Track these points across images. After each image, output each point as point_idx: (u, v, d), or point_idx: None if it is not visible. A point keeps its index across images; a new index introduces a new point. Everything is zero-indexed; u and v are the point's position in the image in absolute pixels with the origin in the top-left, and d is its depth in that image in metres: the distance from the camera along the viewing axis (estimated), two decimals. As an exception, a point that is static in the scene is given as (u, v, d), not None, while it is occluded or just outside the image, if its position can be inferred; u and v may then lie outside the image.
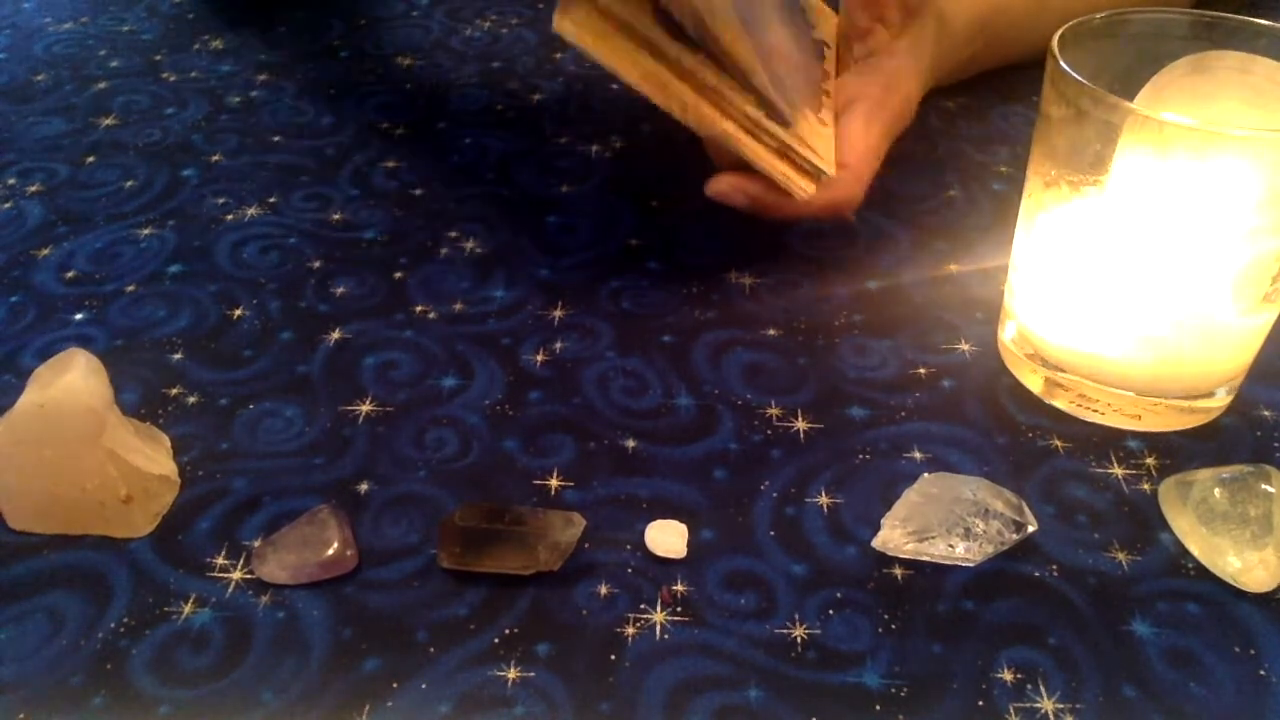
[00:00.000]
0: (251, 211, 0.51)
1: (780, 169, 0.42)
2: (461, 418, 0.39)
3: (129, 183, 0.53)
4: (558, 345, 0.42)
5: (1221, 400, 0.39)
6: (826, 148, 0.43)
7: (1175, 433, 0.38)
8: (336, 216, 0.50)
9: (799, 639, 0.32)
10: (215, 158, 0.55)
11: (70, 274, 0.46)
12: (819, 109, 0.44)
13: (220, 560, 0.34)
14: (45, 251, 0.48)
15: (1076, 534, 0.35)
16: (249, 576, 0.33)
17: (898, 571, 0.34)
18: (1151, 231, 0.34)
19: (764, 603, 0.33)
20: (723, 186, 0.43)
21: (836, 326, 0.43)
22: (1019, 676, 0.31)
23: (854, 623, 0.32)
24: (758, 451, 0.38)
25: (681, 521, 0.35)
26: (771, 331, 0.43)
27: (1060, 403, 0.39)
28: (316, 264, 0.47)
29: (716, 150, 0.44)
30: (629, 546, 0.34)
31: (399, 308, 0.44)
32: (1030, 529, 0.34)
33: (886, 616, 0.32)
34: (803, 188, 0.42)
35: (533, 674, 0.30)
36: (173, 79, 0.63)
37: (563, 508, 0.34)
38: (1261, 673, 0.31)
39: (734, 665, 0.31)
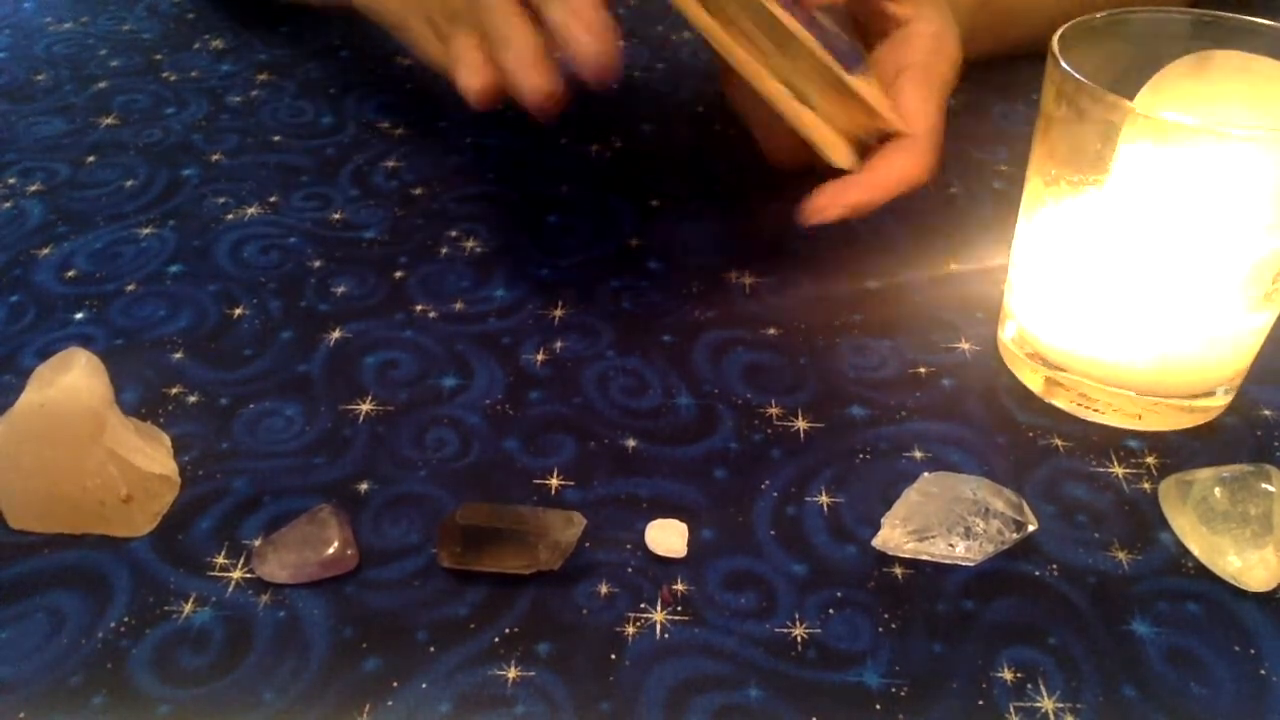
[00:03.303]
0: (251, 211, 0.51)
1: (827, 136, 0.40)
2: (462, 417, 0.39)
3: (129, 182, 0.53)
4: (558, 345, 0.42)
5: (1222, 400, 0.39)
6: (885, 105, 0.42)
7: (1175, 432, 0.38)
8: (336, 216, 0.50)
9: (799, 638, 0.32)
10: (215, 157, 0.55)
11: (70, 273, 0.46)
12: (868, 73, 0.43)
13: (220, 560, 0.34)
14: (45, 251, 0.48)
15: (1076, 533, 0.35)
16: (249, 576, 0.33)
17: (898, 571, 0.34)
18: (1151, 231, 0.34)
19: (764, 602, 0.33)
20: (821, 205, 0.41)
21: (836, 326, 0.43)
22: (1019, 676, 0.31)
23: (854, 622, 0.32)
24: (758, 451, 0.38)
25: (682, 521, 0.35)
26: (771, 331, 0.43)
27: (1060, 402, 0.39)
28: (317, 264, 0.47)
29: (766, 134, 0.43)
30: (629, 546, 0.34)
31: (399, 307, 0.44)
32: (1030, 528, 0.34)
33: (886, 616, 0.32)
34: (846, 155, 0.41)
35: (533, 674, 0.30)
36: (173, 79, 0.63)
37: (563, 507, 0.34)
38: (1261, 673, 0.31)
39: (734, 664, 0.31)
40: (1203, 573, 0.34)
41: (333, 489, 0.36)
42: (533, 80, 0.39)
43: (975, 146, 0.56)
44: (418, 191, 0.52)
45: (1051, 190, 0.37)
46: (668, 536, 0.34)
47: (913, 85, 0.43)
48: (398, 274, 0.46)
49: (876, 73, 0.44)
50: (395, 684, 0.30)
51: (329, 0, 0.63)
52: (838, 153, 0.41)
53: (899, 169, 0.41)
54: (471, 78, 0.41)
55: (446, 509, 0.35)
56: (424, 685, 0.30)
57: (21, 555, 0.34)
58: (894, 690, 0.30)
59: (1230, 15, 0.36)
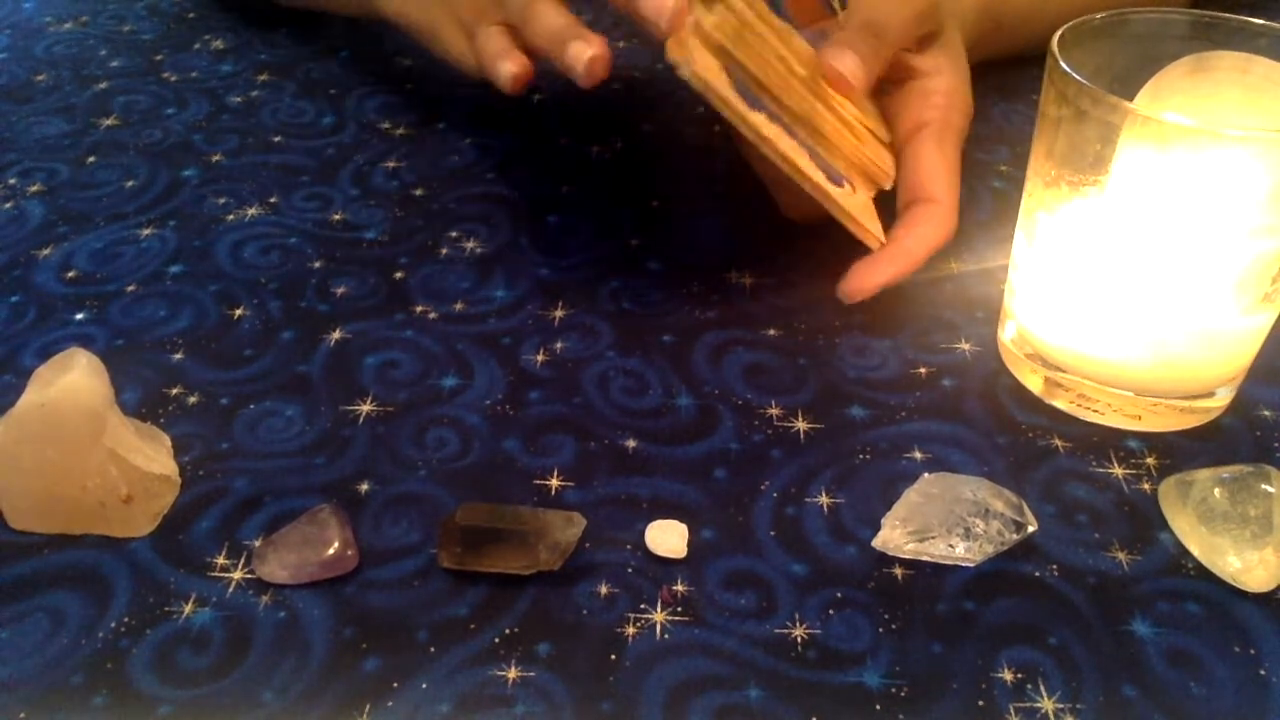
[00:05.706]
0: (252, 211, 0.51)
1: (861, 221, 0.42)
2: (462, 417, 0.39)
3: (129, 183, 0.53)
4: (558, 345, 0.42)
5: (1221, 400, 0.39)
6: (871, 215, 0.43)
7: (1175, 433, 0.38)
8: (337, 216, 0.50)
9: (799, 639, 0.32)
10: (215, 158, 0.55)
11: (71, 274, 0.46)
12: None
13: (221, 560, 0.34)
14: (46, 251, 0.48)
15: (1076, 534, 0.35)
16: (249, 576, 0.33)
17: (898, 571, 0.34)
18: (1151, 231, 0.34)
19: (764, 602, 0.33)
20: (856, 287, 0.42)
21: (836, 326, 0.44)
22: (1019, 676, 0.31)
23: (854, 622, 0.32)
24: (758, 451, 0.38)
25: (682, 521, 0.35)
26: (771, 331, 0.43)
27: (1060, 403, 0.39)
28: (317, 264, 0.47)
29: (783, 191, 0.45)
30: (629, 546, 0.34)
31: (399, 308, 0.44)
32: (1030, 529, 0.34)
33: (886, 616, 0.32)
34: (878, 237, 0.42)
35: (533, 674, 0.30)
36: (173, 79, 0.63)
37: (563, 508, 0.34)
38: (1261, 673, 0.31)
39: (734, 665, 0.31)
40: (1203, 573, 0.34)
41: (333, 489, 0.36)
42: (574, 49, 0.39)
43: (975, 146, 0.56)
44: (418, 191, 0.52)
45: (1051, 191, 0.37)
46: (668, 537, 0.34)
47: (932, 144, 0.44)
48: (398, 274, 0.46)
49: (891, 125, 0.46)
50: (395, 684, 0.30)
51: (353, 10, 0.64)
52: (868, 237, 0.42)
53: (925, 239, 0.42)
54: (505, 64, 0.43)
55: (446, 509, 0.35)
56: (424, 685, 0.30)
57: (21, 555, 0.34)
58: (894, 690, 0.30)
59: (1230, 16, 0.36)
